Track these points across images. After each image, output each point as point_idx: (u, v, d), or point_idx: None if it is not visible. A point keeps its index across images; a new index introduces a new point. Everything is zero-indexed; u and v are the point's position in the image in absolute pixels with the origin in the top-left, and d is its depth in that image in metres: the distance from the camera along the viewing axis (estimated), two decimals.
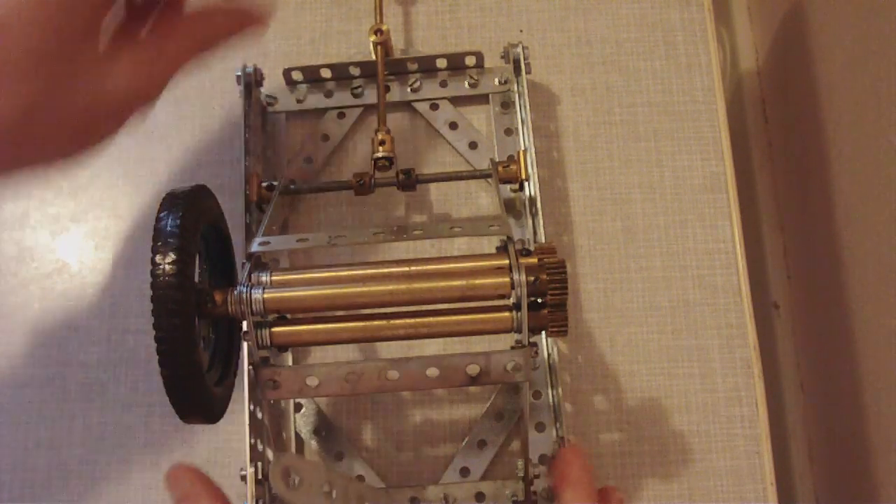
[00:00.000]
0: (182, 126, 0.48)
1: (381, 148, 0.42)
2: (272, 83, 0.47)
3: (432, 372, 0.34)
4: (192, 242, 0.32)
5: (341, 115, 0.48)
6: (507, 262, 0.35)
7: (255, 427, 0.40)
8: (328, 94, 0.47)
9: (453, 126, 0.47)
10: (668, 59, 0.48)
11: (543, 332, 0.38)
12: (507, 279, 0.34)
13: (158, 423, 0.43)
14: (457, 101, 0.48)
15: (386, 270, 0.35)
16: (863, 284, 0.46)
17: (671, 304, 0.45)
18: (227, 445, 0.43)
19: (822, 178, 0.50)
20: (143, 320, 0.45)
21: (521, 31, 0.49)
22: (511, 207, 0.45)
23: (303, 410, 0.43)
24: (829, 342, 0.52)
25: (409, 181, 0.42)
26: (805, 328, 0.56)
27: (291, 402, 0.43)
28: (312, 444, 0.43)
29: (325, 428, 0.43)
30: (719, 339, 0.44)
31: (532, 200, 0.43)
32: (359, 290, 0.34)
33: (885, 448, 0.45)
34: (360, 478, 0.42)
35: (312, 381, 0.35)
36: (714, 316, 0.44)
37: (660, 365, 0.44)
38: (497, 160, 0.44)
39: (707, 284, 0.45)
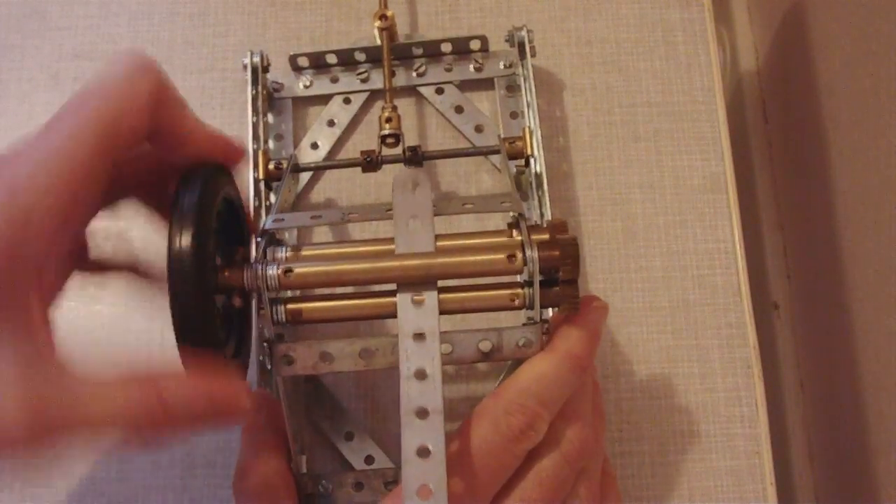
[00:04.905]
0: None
1: (387, 125, 0.42)
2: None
3: (445, 348, 0.34)
4: (209, 219, 0.33)
5: (347, 101, 0.48)
6: (519, 238, 0.35)
7: None
8: (334, 80, 0.48)
9: (459, 110, 0.47)
10: (668, 59, 0.48)
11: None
12: (519, 255, 0.34)
13: None
14: (462, 85, 0.48)
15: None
16: (863, 284, 0.46)
17: (671, 304, 0.45)
18: (227, 445, 0.43)
19: (822, 178, 0.50)
20: (143, 321, 0.45)
21: None
22: (516, 189, 0.45)
23: (311, 392, 0.43)
24: (829, 342, 0.52)
25: (416, 157, 0.42)
26: (805, 328, 0.56)
27: (302, 382, 0.43)
28: (322, 424, 0.43)
29: (334, 409, 0.43)
30: (719, 339, 0.44)
31: (538, 177, 0.43)
32: (376, 265, 0.34)
33: (885, 448, 0.45)
34: (370, 458, 0.42)
35: (327, 357, 0.35)
36: (714, 316, 0.44)
37: (660, 365, 0.44)
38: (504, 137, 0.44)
39: (707, 284, 0.45)
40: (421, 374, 0.31)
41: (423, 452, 0.30)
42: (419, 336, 0.32)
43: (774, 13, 0.57)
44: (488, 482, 0.31)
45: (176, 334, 0.31)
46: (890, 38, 0.42)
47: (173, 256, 0.31)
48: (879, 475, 0.45)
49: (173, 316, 0.31)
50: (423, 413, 0.31)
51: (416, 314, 0.33)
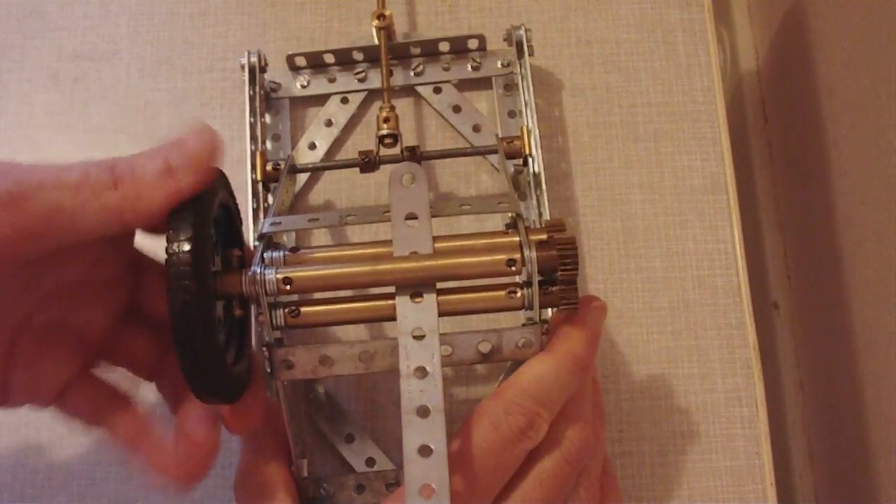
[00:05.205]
0: (182, 126, 0.48)
1: (385, 125, 0.42)
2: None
3: (445, 350, 0.34)
4: (207, 225, 0.32)
5: (345, 101, 0.48)
6: (517, 238, 0.34)
7: None
8: (332, 80, 0.48)
9: (457, 109, 0.47)
10: (668, 59, 0.48)
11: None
12: (517, 256, 0.34)
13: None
14: (460, 84, 0.48)
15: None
16: (863, 284, 0.46)
17: (671, 304, 0.45)
18: (226, 446, 0.43)
19: (822, 178, 0.50)
20: None
21: None
22: (514, 189, 0.45)
23: (312, 395, 0.43)
24: (829, 342, 0.52)
25: (415, 157, 0.42)
26: (805, 328, 0.56)
27: (302, 386, 0.43)
28: (322, 427, 0.43)
29: (334, 411, 0.43)
30: (719, 340, 0.44)
31: (536, 177, 0.43)
32: (373, 268, 0.34)
33: (885, 448, 0.45)
34: (371, 460, 0.42)
35: (326, 361, 0.35)
36: (714, 316, 0.44)
37: (660, 365, 0.44)
38: (502, 136, 0.44)
39: (707, 285, 0.45)
40: (421, 372, 0.31)
41: (425, 451, 0.30)
42: (418, 335, 0.32)
43: (774, 13, 0.57)
44: (489, 482, 0.31)
45: (176, 342, 0.31)
46: (890, 38, 0.42)
47: (171, 263, 0.31)
48: (879, 475, 0.45)
49: (173, 323, 0.31)
50: (423, 412, 0.30)
51: (414, 313, 0.33)
